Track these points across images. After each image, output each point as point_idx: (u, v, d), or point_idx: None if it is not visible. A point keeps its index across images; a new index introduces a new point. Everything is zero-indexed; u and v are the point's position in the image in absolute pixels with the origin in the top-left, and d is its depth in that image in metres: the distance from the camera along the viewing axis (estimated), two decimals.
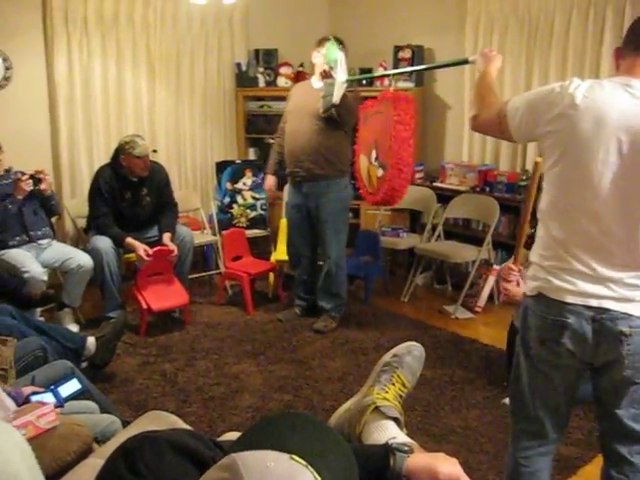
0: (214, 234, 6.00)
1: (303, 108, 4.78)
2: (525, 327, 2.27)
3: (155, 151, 5.22)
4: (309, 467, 0.99)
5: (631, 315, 2.06)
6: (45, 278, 4.54)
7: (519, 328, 2.33)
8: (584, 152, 2.01)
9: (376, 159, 4.06)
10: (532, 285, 2.21)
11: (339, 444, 1.15)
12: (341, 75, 4.28)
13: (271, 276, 5.67)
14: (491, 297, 5.32)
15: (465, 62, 3.45)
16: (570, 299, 2.09)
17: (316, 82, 4.77)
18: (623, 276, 2.06)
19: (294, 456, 1.00)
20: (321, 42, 4.70)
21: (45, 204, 4.83)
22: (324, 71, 4.42)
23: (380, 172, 4.03)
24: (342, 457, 1.13)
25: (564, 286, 2.10)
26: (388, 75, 4.25)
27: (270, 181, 5.23)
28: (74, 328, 4.70)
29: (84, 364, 3.90)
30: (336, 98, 4.33)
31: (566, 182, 2.09)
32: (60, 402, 2.58)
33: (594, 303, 2.07)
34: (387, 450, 1.52)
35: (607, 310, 2.06)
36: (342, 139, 4.74)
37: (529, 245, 2.38)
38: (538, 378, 2.28)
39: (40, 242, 4.75)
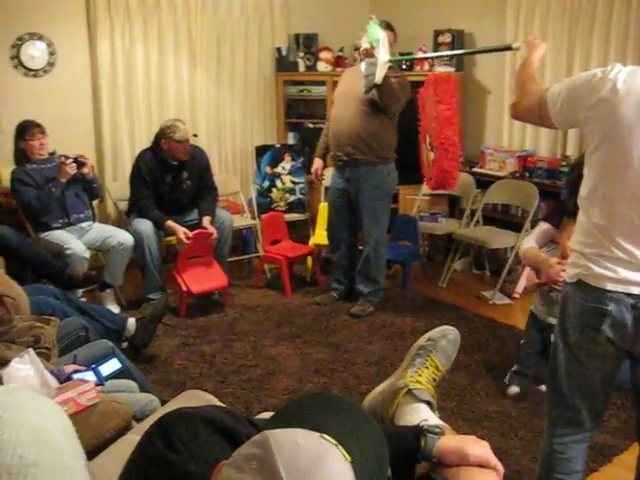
0: (253, 218, 6.06)
1: (349, 92, 4.78)
2: (564, 314, 2.26)
3: (195, 135, 5.27)
4: (339, 446, 1.01)
5: None
6: (87, 256, 4.64)
7: (558, 316, 2.32)
8: (625, 137, 1.99)
9: (430, 144, 4.07)
10: (572, 272, 2.20)
11: (370, 425, 1.17)
12: (383, 55, 4.21)
13: (309, 260, 5.70)
14: None
15: (508, 48, 3.40)
16: (610, 286, 2.08)
17: (364, 66, 4.75)
18: None
19: (325, 435, 1.02)
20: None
21: (87, 187, 4.92)
22: (365, 49, 4.39)
23: (432, 155, 4.04)
24: (373, 437, 1.15)
25: (605, 273, 2.09)
26: (431, 57, 4.21)
27: (317, 164, 5.23)
28: (115, 309, 4.78)
29: (124, 344, 3.98)
30: (378, 78, 4.27)
31: (607, 168, 2.08)
32: (101, 381, 2.64)
33: (635, 291, 2.06)
34: (419, 432, 1.54)
35: None
36: (386, 125, 4.72)
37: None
38: (575, 366, 2.27)
39: (81, 225, 4.84)
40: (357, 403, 1.22)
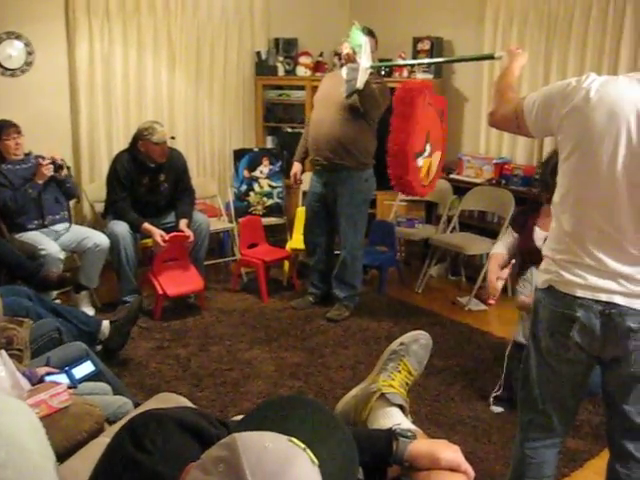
0: (231, 221, 6.05)
1: (329, 97, 4.78)
2: (536, 320, 2.28)
3: (173, 138, 5.25)
4: (307, 450, 1.01)
5: None
6: (62, 257, 4.62)
7: (530, 322, 2.35)
8: (596, 145, 2.01)
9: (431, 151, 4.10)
10: (544, 278, 2.22)
11: (340, 428, 1.17)
12: (365, 61, 4.22)
13: (286, 264, 5.70)
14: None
15: (490, 57, 3.43)
16: (580, 293, 2.10)
17: (345, 72, 4.77)
18: (634, 271, 2.06)
19: (293, 438, 1.02)
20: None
21: (61, 187, 4.88)
22: (347, 55, 4.39)
23: (438, 159, 4.10)
24: (342, 441, 1.15)
25: (574, 280, 2.11)
26: (413, 65, 4.22)
27: (296, 168, 5.23)
28: (90, 311, 4.75)
29: (99, 347, 3.95)
30: (360, 83, 4.28)
31: (578, 175, 2.10)
32: (74, 383, 2.62)
33: (603, 297, 2.07)
34: (391, 435, 1.55)
35: (616, 305, 2.07)
36: (365, 131, 4.72)
37: None
38: (547, 371, 2.29)
39: (57, 227, 4.82)
40: (327, 407, 1.22)
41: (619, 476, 2.29)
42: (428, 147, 4.01)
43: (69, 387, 2.42)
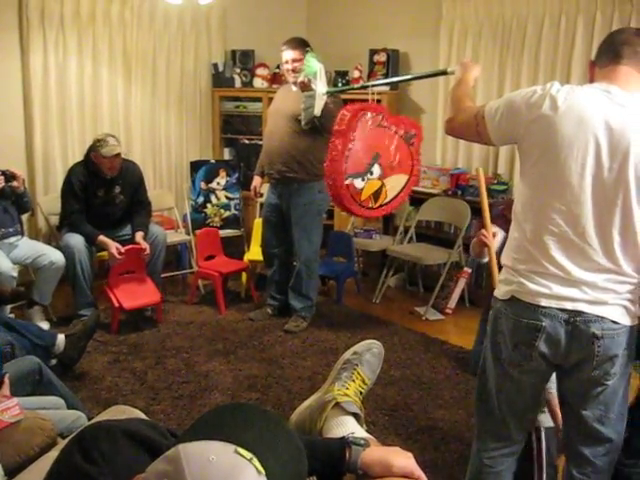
0: (188, 233, 6.03)
1: (280, 110, 4.81)
2: (496, 330, 2.28)
3: (118, 155, 5.05)
4: (253, 460, 1.01)
5: (604, 317, 2.09)
6: (15, 274, 4.53)
7: (488, 332, 2.34)
8: (564, 153, 2.04)
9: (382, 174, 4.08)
10: (505, 289, 2.23)
11: (288, 436, 1.17)
12: (321, 87, 4.26)
13: (244, 276, 5.68)
14: (462, 299, 5.38)
15: (444, 73, 3.44)
16: (545, 302, 2.11)
17: (293, 86, 4.79)
18: (597, 279, 2.09)
19: (239, 449, 1.01)
20: (282, 48, 4.75)
21: (18, 201, 4.81)
22: (302, 82, 4.41)
23: (404, 181, 4.09)
24: (291, 449, 1.14)
25: (539, 289, 2.12)
26: (367, 86, 4.23)
27: (256, 181, 5.24)
28: (45, 325, 4.67)
29: (53, 361, 3.90)
30: (317, 110, 4.32)
31: (544, 182, 2.11)
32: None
33: (569, 306, 2.09)
34: (344, 444, 1.55)
35: (581, 313, 2.09)
36: (318, 142, 4.72)
37: None
38: (506, 382, 2.29)
39: (9, 240, 4.73)
40: (276, 414, 1.22)
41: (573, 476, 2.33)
42: (376, 169, 3.99)
43: None
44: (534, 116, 2.08)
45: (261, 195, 5.33)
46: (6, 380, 2.57)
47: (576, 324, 2.10)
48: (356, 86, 5.75)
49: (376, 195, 4.08)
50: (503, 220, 3.81)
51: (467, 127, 2.34)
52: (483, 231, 3.38)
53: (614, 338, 2.11)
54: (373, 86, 4.19)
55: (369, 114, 3.87)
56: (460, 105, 2.41)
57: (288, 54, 4.72)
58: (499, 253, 3.78)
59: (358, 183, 3.94)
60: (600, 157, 2.02)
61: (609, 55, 2.14)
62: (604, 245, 2.08)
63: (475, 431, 2.50)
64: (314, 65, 4.26)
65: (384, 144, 3.97)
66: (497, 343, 2.28)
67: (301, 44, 4.74)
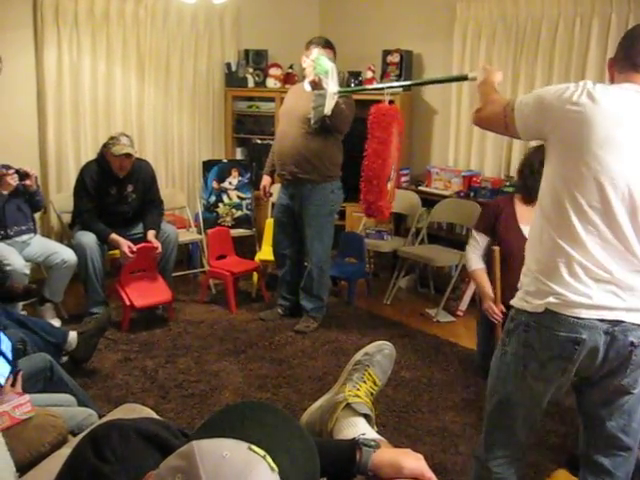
0: (199, 232, 6.03)
1: (293, 111, 4.80)
2: (523, 345, 2.20)
3: (129, 155, 5.06)
4: (267, 458, 1.01)
5: None
6: (27, 272, 4.55)
7: (510, 344, 2.26)
8: (601, 149, 1.99)
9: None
10: (537, 302, 2.13)
11: (301, 435, 1.17)
12: (332, 86, 4.22)
13: (255, 276, 5.69)
14: (473, 301, 5.36)
15: (464, 78, 3.37)
16: (585, 314, 2.05)
17: (307, 85, 4.78)
18: (636, 281, 2.06)
19: (252, 446, 1.01)
20: (308, 46, 4.72)
21: (31, 199, 4.83)
22: (314, 81, 4.40)
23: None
24: (303, 448, 1.14)
25: (579, 300, 2.05)
26: (382, 88, 4.22)
27: (265, 181, 5.25)
28: (56, 323, 4.70)
29: (65, 358, 3.91)
30: (327, 109, 4.29)
31: (578, 179, 2.04)
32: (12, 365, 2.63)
33: (608, 316, 2.05)
34: (354, 445, 1.55)
35: (620, 322, 2.05)
36: (330, 143, 4.73)
37: None
38: (527, 394, 2.24)
39: (22, 238, 4.75)
40: (288, 413, 1.22)
41: None
42: (393, 171, 4.03)
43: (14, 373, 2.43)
44: (567, 112, 2.03)
45: (271, 195, 5.33)
46: (19, 378, 2.58)
47: (614, 334, 2.06)
48: (368, 87, 5.76)
49: (391, 196, 4.15)
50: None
51: (496, 119, 2.31)
52: (492, 306, 3.69)
53: None
54: (388, 88, 4.18)
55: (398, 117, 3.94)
56: (488, 97, 2.39)
57: (318, 52, 4.64)
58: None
59: (388, 186, 4.01)
60: (637, 158, 1.99)
61: (627, 63, 2.11)
62: None
63: (482, 441, 2.44)
64: (326, 64, 4.24)
65: (395, 145, 4.01)
66: (523, 357, 2.20)
67: (332, 47, 4.73)
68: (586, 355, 2.08)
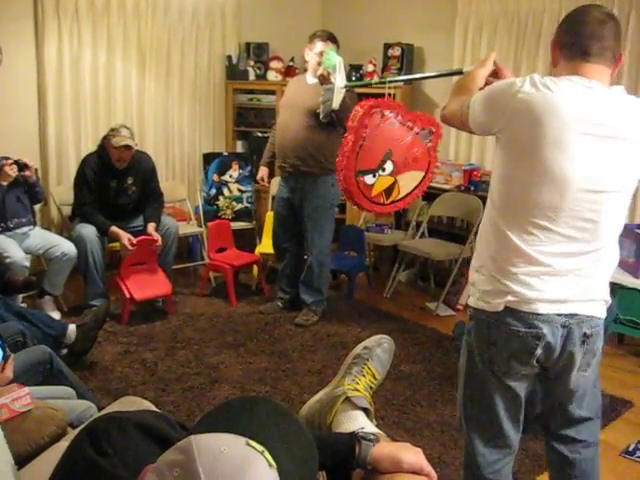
0: (199, 225, 6.03)
1: (295, 103, 4.79)
2: (486, 342, 2.20)
3: (128, 147, 5.04)
4: (265, 453, 1.00)
5: (593, 316, 2.11)
6: (27, 264, 4.54)
7: (474, 345, 2.26)
8: (548, 148, 1.96)
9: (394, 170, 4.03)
10: (496, 301, 2.13)
11: (299, 429, 1.17)
12: (340, 80, 4.18)
13: (255, 269, 5.69)
14: None
15: (459, 72, 3.37)
16: (543, 309, 2.07)
17: (310, 78, 4.77)
18: (585, 263, 2.08)
19: (250, 441, 1.01)
20: (312, 39, 4.71)
21: (30, 191, 4.82)
22: (322, 75, 4.39)
23: (419, 178, 4.03)
24: (302, 443, 1.14)
25: (536, 296, 2.07)
26: (385, 82, 4.19)
27: (262, 172, 5.25)
28: (56, 315, 4.70)
29: (64, 351, 3.92)
30: (336, 103, 4.27)
31: (531, 176, 2.02)
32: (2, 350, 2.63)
33: (565, 310, 2.08)
34: (353, 439, 1.55)
35: (575, 315, 2.09)
36: (332, 136, 4.71)
37: None
38: (506, 393, 2.24)
39: (22, 230, 4.75)
40: (286, 407, 1.22)
41: (563, 453, 2.35)
42: (389, 166, 3.95)
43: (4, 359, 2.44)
44: (514, 108, 2.00)
45: (268, 185, 5.31)
46: (9, 362, 2.59)
47: (571, 327, 2.09)
48: (374, 81, 5.75)
49: (388, 191, 4.03)
50: None
51: (454, 116, 2.34)
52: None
53: (599, 333, 2.16)
54: (391, 82, 4.15)
55: (382, 111, 3.84)
56: (456, 95, 2.38)
57: (320, 46, 4.66)
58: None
59: (369, 179, 3.91)
60: (585, 152, 1.96)
61: (575, 51, 2.05)
62: (594, 231, 2.06)
63: (469, 448, 2.37)
64: (333, 58, 4.21)
65: (398, 140, 3.92)
66: (489, 355, 2.21)
67: (336, 41, 4.71)
68: (546, 349, 2.11)
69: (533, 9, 5.34)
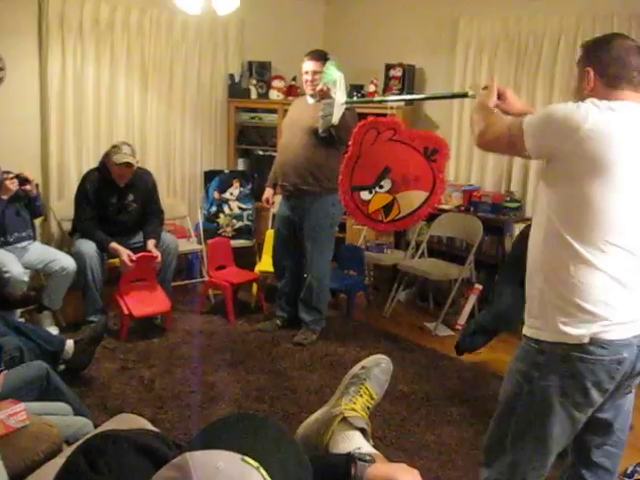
0: (199, 243, 6.03)
1: (296, 123, 4.82)
2: (564, 375, 2.13)
3: (129, 165, 5.06)
4: (260, 469, 1.00)
5: None
6: (26, 279, 4.54)
7: (549, 380, 2.16)
8: (628, 165, 2.01)
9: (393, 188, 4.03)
10: (580, 332, 2.07)
11: (293, 447, 1.17)
12: (340, 96, 4.19)
13: (254, 287, 5.68)
14: (472, 315, 5.36)
15: (465, 95, 3.35)
16: (624, 334, 2.07)
17: (309, 98, 4.81)
18: None
19: (246, 457, 1.01)
20: (308, 54, 4.77)
21: (30, 205, 4.83)
22: (322, 90, 4.41)
23: (422, 198, 4.00)
24: (296, 460, 1.14)
25: (619, 320, 2.06)
26: (387, 101, 4.20)
27: (267, 193, 5.26)
28: (54, 331, 4.69)
29: (62, 367, 3.91)
30: (335, 119, 4.27)
31: (610, 196, 2.03)
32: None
33: (637, 331, 2.09)
34: (349, 459, 1.54)
35: None
36: (332, 156, 4.72)
37: None
38: (567, 425, 2.19)
39: (21, 244, 4.75)
40: (281, 425, 1.22)
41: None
42: (386, 183, 3.95)
43: None
44: (588, 128, 2.00)
45: (273, 203, 5.33)
46: (0, 377, 2.59)
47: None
48: (375, 99, 5.77)
49: (387, 209, 4.03)
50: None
51: (499, 140, 2.29)
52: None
53: None
54: (392, 101, 4.16)
55: (378, 128, 3.86)
56: (487, 120, 2.34)
57: (308, 65, 4.73)
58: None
59: (364, 195, 3.93)
60: None
61: (622, 80, 2.12)
62: None
63: (507, 470, 2.30)
64: (334, 73, 4.21)
65: (397, 158, 3.93)
66: (559, 388, 2.14)
67: (322, 56, 4.74)
68: (625, 372, 2.10)
69: (533, 31, 5.39)
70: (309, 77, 4.74)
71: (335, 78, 4.17)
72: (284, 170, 4.87)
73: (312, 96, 4.76)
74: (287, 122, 5.00)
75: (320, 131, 4.52)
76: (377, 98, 5.98)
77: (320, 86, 4.44)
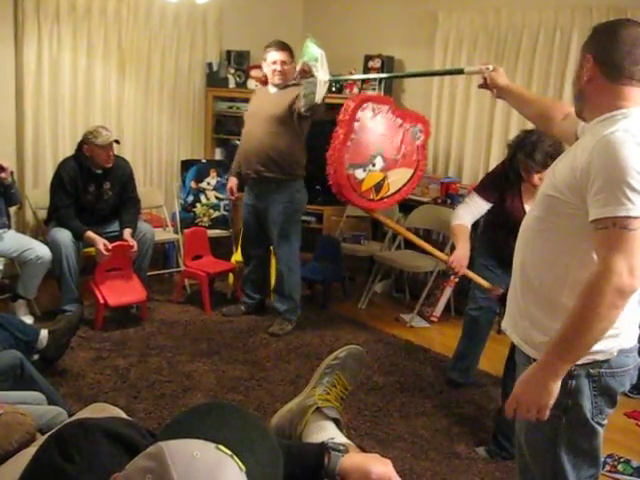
0: (176, 232, 6.00)
1: (257, 112, 4.84)
2: (601, 394, 2.03)
3: (118, 142, 5.09)
4: (234, 457, 1.01)
5: None
6: (0, 267, 4.50)
7: (583, 402, 2.03)
8: None
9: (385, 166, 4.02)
10: (608, 346, 1.96)
11: (265, 435, 1.18)
12: (322, 74, 4.09)
13: (231, 276, 5.68)
14: (447, 307, 5.39)
15: (460, 72, 3.33)
16: (636, 339, 2.06)
17: (271, 87, 4.83)
18: None
19: (220, 446, 1.02)
20: (265, 50, 4.83)
21: (5, 193, 4.78)
22: (302, 70, 4.38)
23: (408, 175, 4.04)
24: (267, 448, 1.15)
25: (633, 327, 2.05)
26: (375, 78, 4.15)
27: (231, 182, 5.25)
28: (28, 320, 4.66)
29: (36, 356, 3.88)
30: (319, 97, 4.18)
31: None
32: None
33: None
34: (323, 449, 1.55)
35: None
36: (294, 143, 4.76)
37: None
38: (598, 437, 2.10)
39: None
40: (253, 414, 1.23)
41: None
42: (379, 161, 3.97)
43: None
44: None
45: (237, 197, 5.32)
46: None
47: None
48: (362, 76, 5.73)
49: (378, 187, 4.03)
50: None
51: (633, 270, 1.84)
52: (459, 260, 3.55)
53: None
54: (383, 78, 4.08)
55: (374, 105, 3.86)
56: (591, 307, 1.85)
57: (276, 55, 4.74)
58: None
59: (359, 174, 3.92)
60: None
61: (634, 75, 1.91)
62: None
63: None
64: (314, 51, 4.12)
65: (389, 136, 3.94)
66: (597, 407, 2.04)
67: (288, 47, 4.78)
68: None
69: (513, 25, 5.41)
70: (278, 67, 4.74)
71: (316, 55, 4.07)
72: (247, 157, 4.89)
73: (276, 85, 4.77)
74: (249, 113, 5.02)
75: (303, 110, 4.47)
76: (361, 76, 5.97)
77: (300, 65, 4.41)
